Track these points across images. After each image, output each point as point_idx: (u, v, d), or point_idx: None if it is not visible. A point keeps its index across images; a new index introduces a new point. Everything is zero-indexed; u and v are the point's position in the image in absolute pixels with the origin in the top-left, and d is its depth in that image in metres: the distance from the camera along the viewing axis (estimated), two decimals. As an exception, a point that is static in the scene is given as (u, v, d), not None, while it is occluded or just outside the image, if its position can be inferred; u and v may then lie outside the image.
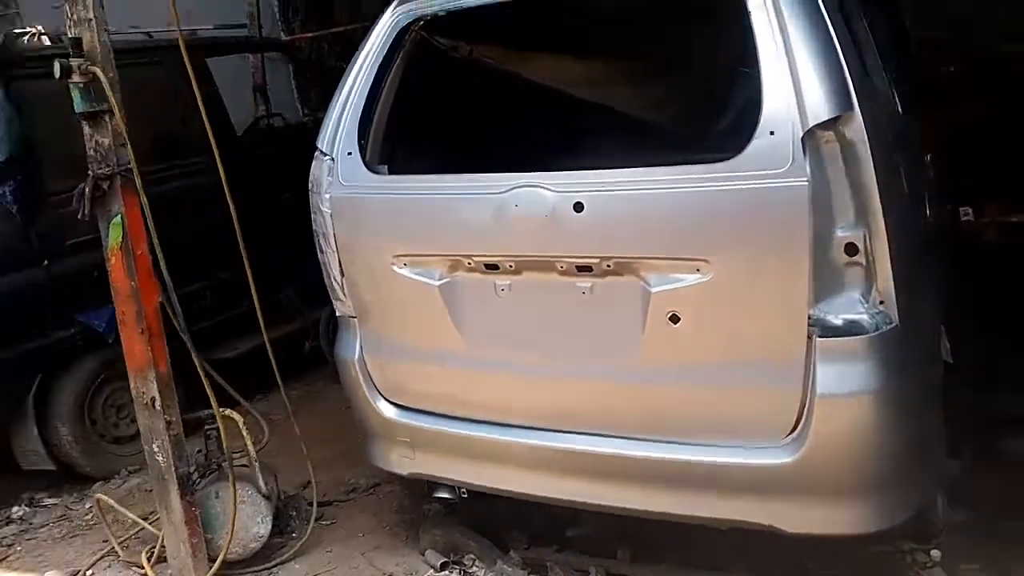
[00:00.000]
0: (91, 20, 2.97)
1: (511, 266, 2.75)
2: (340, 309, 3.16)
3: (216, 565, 3.18)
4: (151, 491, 3.39)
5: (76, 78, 2.98)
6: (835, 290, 2.42)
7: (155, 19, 5.18)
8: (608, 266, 2.60)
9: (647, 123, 3.31)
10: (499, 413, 2.87)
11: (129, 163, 3.05)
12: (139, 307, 3.08)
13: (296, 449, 3.54)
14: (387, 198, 2.98)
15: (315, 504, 3.54)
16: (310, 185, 3.10)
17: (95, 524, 3.79)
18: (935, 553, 2.93)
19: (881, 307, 2.41)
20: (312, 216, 3.11)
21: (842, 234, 2.37)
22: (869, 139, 2.34)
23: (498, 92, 3.35)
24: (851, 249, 2.38)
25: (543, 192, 2.65)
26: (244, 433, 3.30)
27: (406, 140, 3.16)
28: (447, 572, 3.12)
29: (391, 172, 3.05)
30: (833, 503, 2.50)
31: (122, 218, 3.07)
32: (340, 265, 3.06)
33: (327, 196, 3.03)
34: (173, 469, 3.12)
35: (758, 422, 2.51)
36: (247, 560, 3.32)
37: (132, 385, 3.16)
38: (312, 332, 5.23)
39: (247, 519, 3.27)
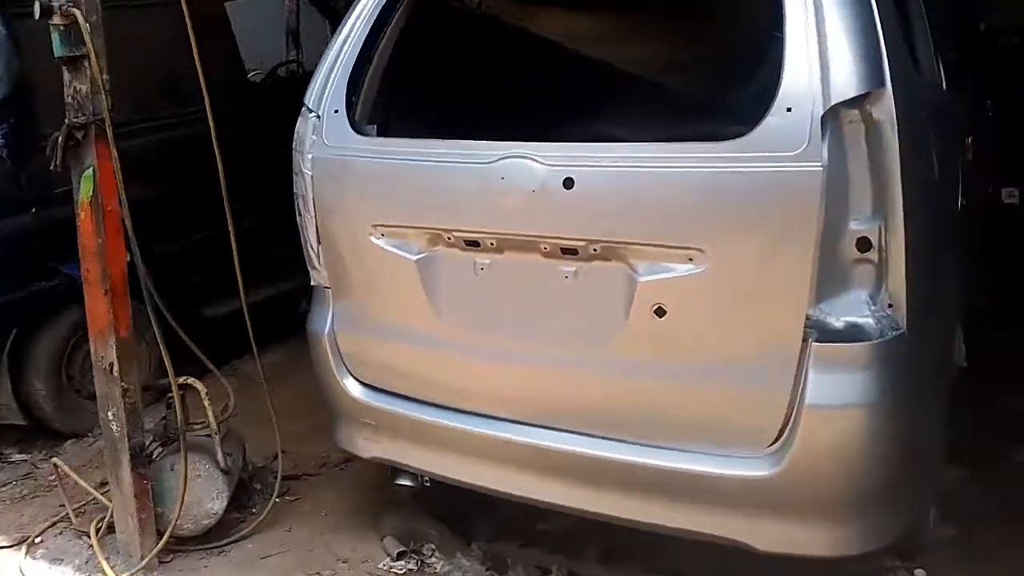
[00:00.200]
0: (78, -41, 2.83)
1: (493, 244, 2.57)
2: (315, 278, 3.01)
3: (162, 541, 3.05)
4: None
5: (56, 19, 2.85)
6: (840, 289, 2.21)
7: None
8: (595, 250, 2.42)
9: (652, 94, 3.11)
10: (467, 400, 2.69)
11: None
12: (104, 266, 2.94)
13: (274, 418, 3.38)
14: (369, 162, 2.80)
15: (279, 479, 3.39)
16: (294, 143, 2.95)
17: (57, 486, 3.67)
18: (919, 572, 2.73)
19: (889, 311, 2.20)
20: (293, 177, 2.96)
21: (856, 227, 2.15)
22: (898, 121, 2.11)
23: (500, 52, 3.17)
24: (863, 244, 2.16)
25: (532, 164, 2.46)
26: (206, 404, 3.16)
27: (401, 100, 2.99)
28: (403, 562, 2.97)
29: (381, 134, 2.88)
30: (813, 522, 2.31)
31: (94, 171, 2.93)
32: (317, 232, 2.90)
33: (309, 156, 2.87)
34: (126, 439, 2.98)
35: (738, 429, 2.32)
36: (200, 537, 3.17)
37: (92, 348, 3.03)
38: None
39: (201, 494, 3.13)
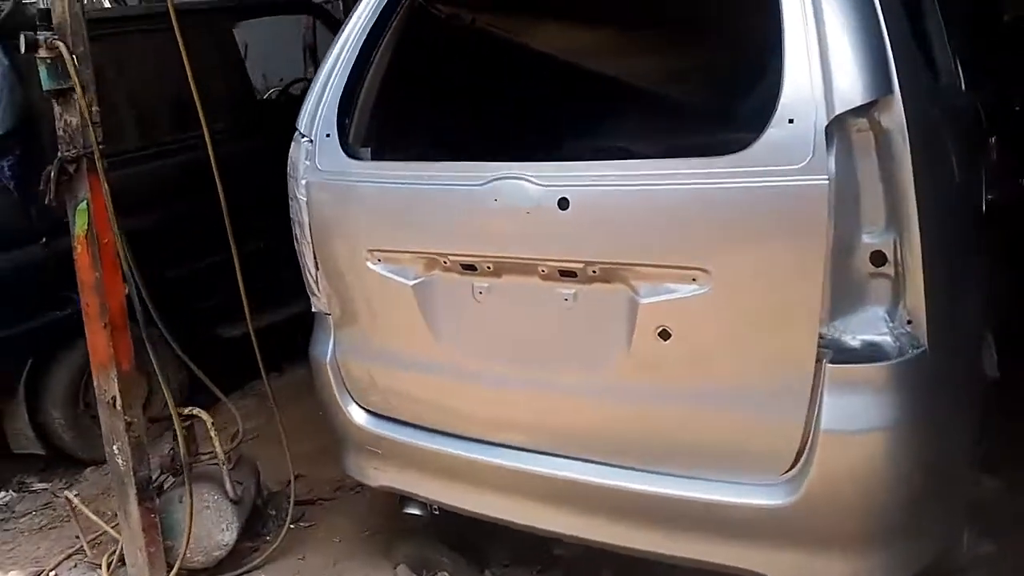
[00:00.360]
0: (63, -10, 2.78)
1: (490, 267, 2.48)
2: (315, 305, 2.94)
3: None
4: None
5: (43, 52, 2.80)
6: (855, 306, 2.09)
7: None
8: (594, 272, 2.31)
9: (648, 109, 2.99)
10: (470, 428, 2.61)
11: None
12: (102, 300, 2.90)
13: (288, 440, 3.32)
14: (362, 186, 2.72)
15: (291, 505, 3.34)
16: (288, 169, 2.88)
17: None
18: (952, 594, 2.59)
19: (908, 327, 2.07)
20: (289, 203, 2.89)
21: (869, 240, 2.03)
22: (909, 128, 1.99)
23: (492, 70, 3.07)
24: (878, 258, 2.04)
25: (526, 185, 2.36)
26: (212, 435, 3.11)
27: (394, 122, 2.90)
28: (416, 591, 2.91)
29: (375, 157, 2.80)
30: (833, 552, 2.18)
31: (88, 204, 2.89)
32: (315, 258, 2.83)
33: (303, 182, 2.80)
34: (132, 473, 2.94)
35: (751, 456, 2.20)
36: (211, 568, 3.13)
37: (95, 382, 3.00)
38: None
39: (211, 526, 3.09)
